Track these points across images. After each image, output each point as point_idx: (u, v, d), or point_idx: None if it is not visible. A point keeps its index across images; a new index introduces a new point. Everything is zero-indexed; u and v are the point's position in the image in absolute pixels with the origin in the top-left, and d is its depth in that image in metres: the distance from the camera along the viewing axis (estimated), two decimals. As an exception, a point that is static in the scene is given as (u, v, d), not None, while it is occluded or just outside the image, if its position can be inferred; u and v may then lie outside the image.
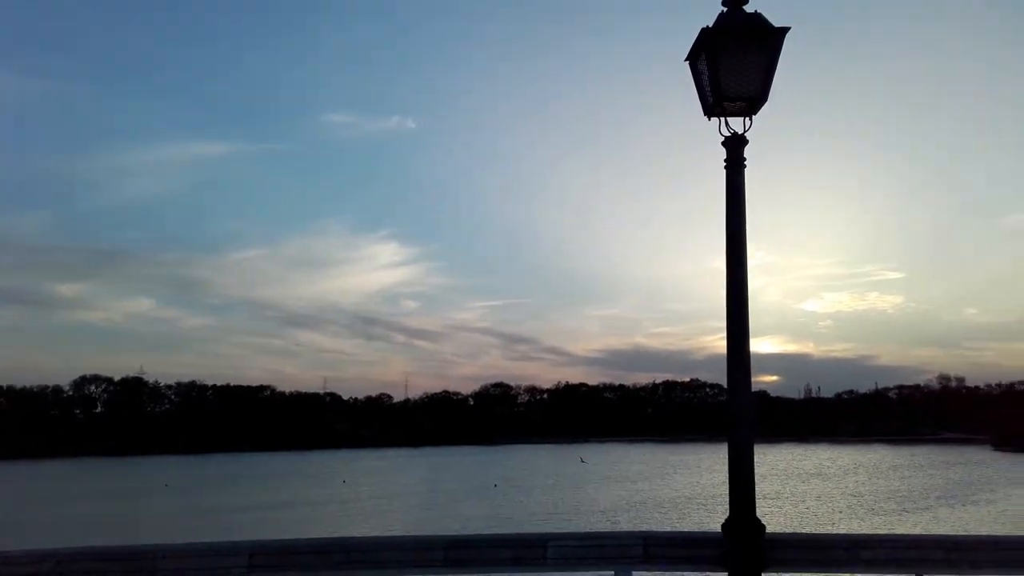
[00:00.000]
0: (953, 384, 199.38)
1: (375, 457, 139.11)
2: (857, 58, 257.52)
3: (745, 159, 5.09)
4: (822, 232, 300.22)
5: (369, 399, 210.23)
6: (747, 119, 5.18)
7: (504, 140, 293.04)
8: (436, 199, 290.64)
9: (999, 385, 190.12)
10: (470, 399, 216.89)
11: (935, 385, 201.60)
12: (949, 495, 71.61)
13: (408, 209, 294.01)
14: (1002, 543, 5.50)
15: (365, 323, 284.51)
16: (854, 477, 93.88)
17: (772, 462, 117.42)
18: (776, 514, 55.39)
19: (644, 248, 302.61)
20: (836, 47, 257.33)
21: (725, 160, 5.10)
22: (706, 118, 5.28)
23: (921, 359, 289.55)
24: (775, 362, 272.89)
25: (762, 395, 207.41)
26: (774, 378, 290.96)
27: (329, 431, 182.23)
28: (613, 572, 5.21)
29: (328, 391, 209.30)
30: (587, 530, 6.94)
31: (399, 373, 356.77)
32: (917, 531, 41.19)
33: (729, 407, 4.92)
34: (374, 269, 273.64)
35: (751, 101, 5.11)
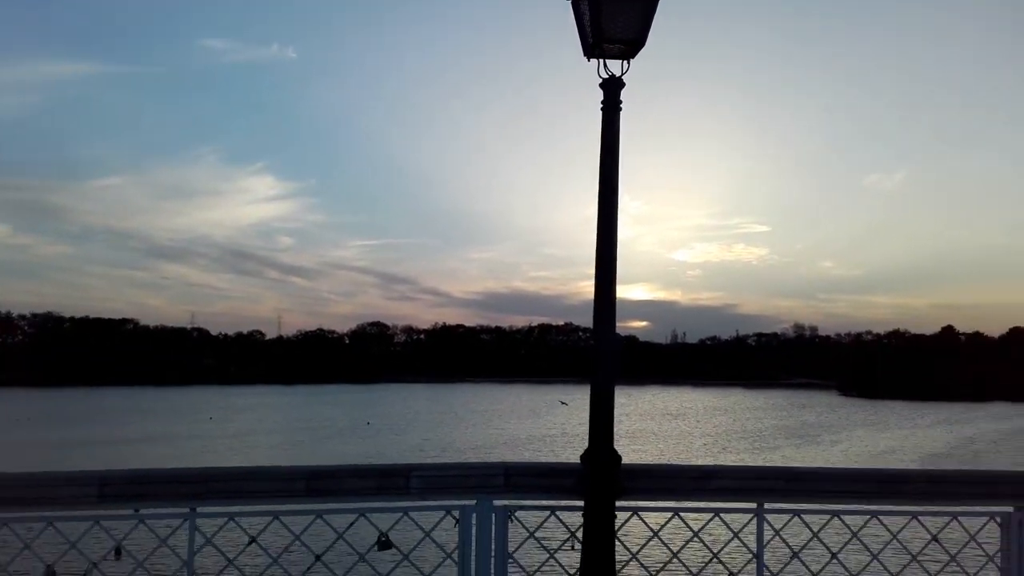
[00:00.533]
0: (807, 333, 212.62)
1: (245, 394, 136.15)
2: (735, 17, 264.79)
3: (621, 102, 5.15)
4: (694, 185, 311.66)
5: (240, 335, 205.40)
6: (625, 62, 5.24)
7: (388, 77, 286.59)
8: (316, 134, 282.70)
9: (848, 335, 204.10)
10: (346, 338, 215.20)
11: (791, 334, 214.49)
12: (797, 435, 76.72)
13: (286, 142, 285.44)
14: (838, 474, 5.96)
15: (237, 258, 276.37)
16: (713, 418, 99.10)
17: (638, 403, 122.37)
18: (638, 450, 57.95)
19: (526, 193, 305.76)
20: (715, 3, 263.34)
21: (602, 102, 5.14)
22: (586, 59, 5.31)
23: (780, 309, 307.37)
24: (645, 308, 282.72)
25: (631, 340, 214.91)
26: (644, 324, 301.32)
27: (196, 367, 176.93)
28: (475, 500, 5.31)
29: (196, 326, 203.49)
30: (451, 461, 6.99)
31: (272, 310, 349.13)
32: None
33: (594, 345, 5.04)
34: (248, 203, 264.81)
35: (630, 44, 5.16)
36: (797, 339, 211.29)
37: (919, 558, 5.73)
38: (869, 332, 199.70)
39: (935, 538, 5.75)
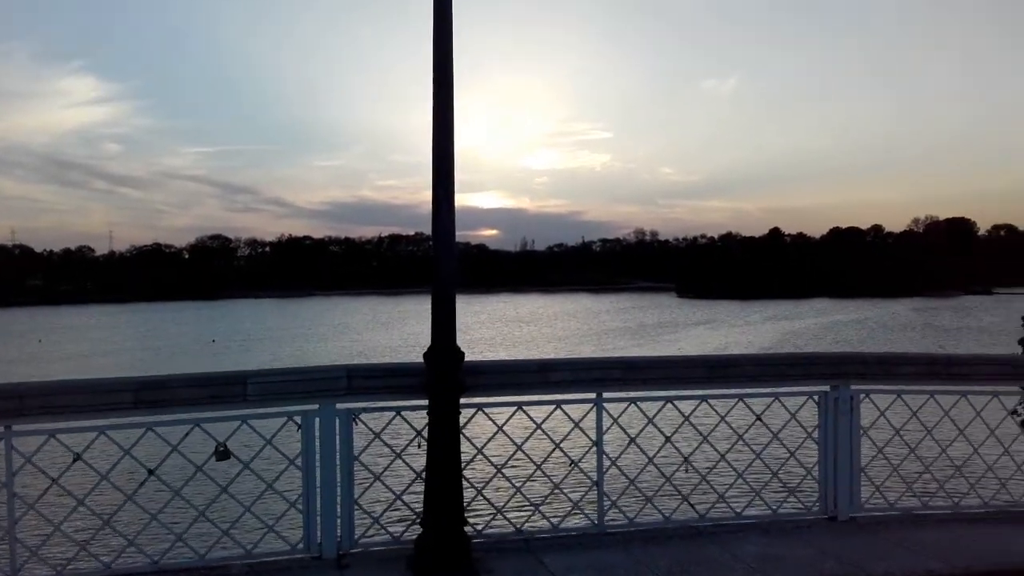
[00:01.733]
0: (648, 238, 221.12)
1: (76, 314, 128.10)
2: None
3: None
4: (540, 92, 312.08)
5: (67, 252, 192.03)
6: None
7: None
8: (140, 30, 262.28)
9: (686, 239, 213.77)
10: (185, 252, 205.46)
11: (633, 239, 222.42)
12: (638, 335, 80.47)
13: (106, 40, 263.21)
14: (670, 362, 6.24)
15: (59, 167, 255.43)
16: (560, 322, 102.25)
17: (488, 311, 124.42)
18: (488, 355, 59.16)
19: (370, 95, 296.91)
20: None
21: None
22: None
23: (623, 215, 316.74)
24: (494, 216, 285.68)
25: (481, 248, 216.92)
26: (493, 232, 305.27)
27: (19, 286, 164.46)
28: (317, 405, 5.20)
29: (17, 243, 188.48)
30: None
31: (102, 224, 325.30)
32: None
33: (433, 246, 4.94)
34: (67, 106, 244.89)
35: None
36: (639, 244, 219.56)
37: (745, 436, 6.14)
38: (704, 236, 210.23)
39: (759, 417, 6.16)
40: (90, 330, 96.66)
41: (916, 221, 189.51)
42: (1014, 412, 7.25)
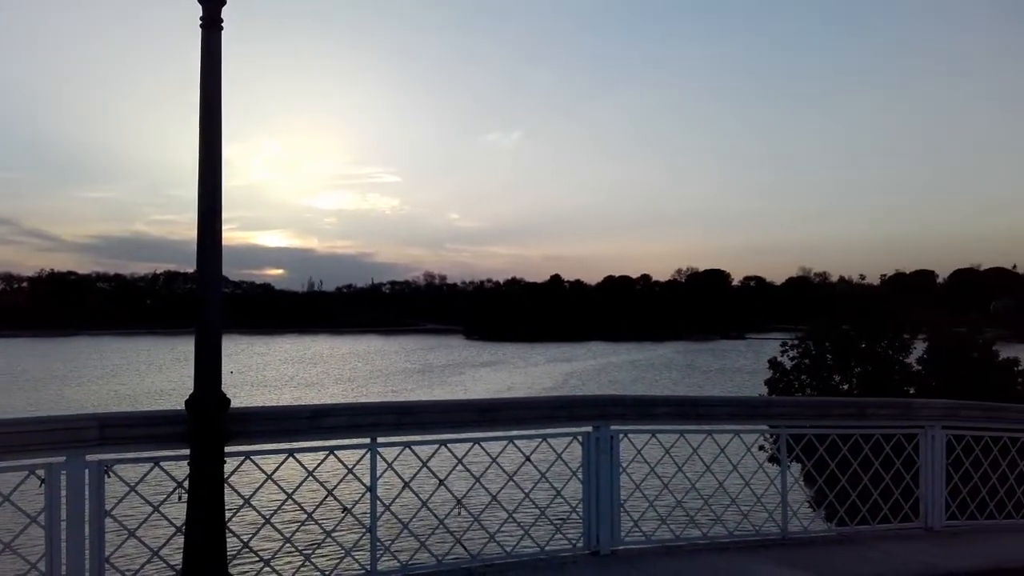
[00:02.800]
0: (436, 281, 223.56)
1: None
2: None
3: (223, 21, 4.82)
4: (330, 132, 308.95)
5: None
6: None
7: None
8: None
9: (473, 283, 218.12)
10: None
11: (422, 281, 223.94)
12: (425, 375, 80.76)
13: None
14: (443, 406, 6.37)
15: None
16: (348, 363, 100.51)
17: (274, 351, 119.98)
18: (272, 399, 56.99)
19: (145, 126, 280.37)
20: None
21: (200, 19, 4.79)
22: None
23: (412, 257, 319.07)
24: (281, 256, 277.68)
25: (267, 287, 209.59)
26: (280, 271, 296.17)
27: None
28: (64, 457, 4.81)
29: None
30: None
31: None
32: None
33: (198, 285, 4.78)
34: None
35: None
36: (428, 287, 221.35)
37: (516, 477, 6.36)
38: (490, 280, 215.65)
39: (528, 458, 6.40)
40: None
41: (679, 271, 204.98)
42: (760, 448, 8.04)
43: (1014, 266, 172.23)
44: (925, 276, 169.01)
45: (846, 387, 25.18)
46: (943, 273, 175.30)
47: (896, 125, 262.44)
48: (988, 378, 23.32)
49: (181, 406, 4.79)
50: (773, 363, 26.73)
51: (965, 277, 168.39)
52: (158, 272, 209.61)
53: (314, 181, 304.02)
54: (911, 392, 24.03)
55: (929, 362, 25.27)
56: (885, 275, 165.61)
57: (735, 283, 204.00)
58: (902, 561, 6.88)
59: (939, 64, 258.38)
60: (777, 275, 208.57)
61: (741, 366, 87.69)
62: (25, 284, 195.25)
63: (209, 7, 4.74)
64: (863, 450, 7.57)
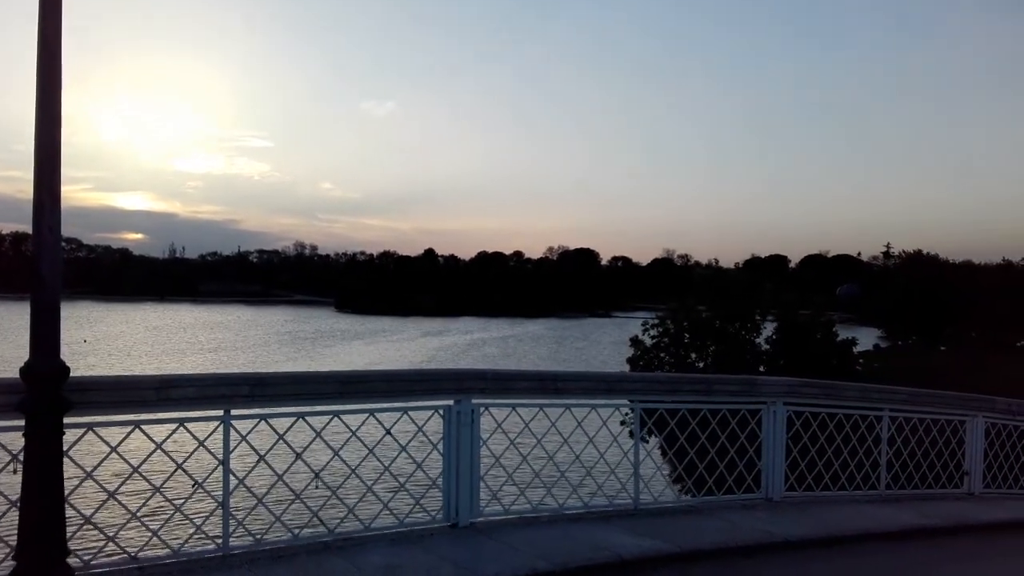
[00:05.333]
0: (308, 252, 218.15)
1: None
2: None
3: None
4: (196, 92, 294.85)
5: None
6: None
7: None
8: None
9: (345, 254, 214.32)
10: None
11: (292, 251, 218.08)
12: (292, 347, 79.05)
13: None
14: (302, 377, 6.25)
15: None
16: (211, 333, 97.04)
17: (130, 321, 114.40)
18: (127, 368, 54.33)
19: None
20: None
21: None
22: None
23: (282, 226, 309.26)
24: (141, 220, 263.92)
25: (124, 252, 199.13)
26: (139, 236, 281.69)
27: None
28: None
29: None
30: None
31: None
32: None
33: (33, 246, 4.50)
34: None
35: None
36: (298, 257, 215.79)
37: (376, 450, 6.35)
38: (363, 252, 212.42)
39: (389, 431, 6.41)
40: None
41: (551, 249, 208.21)
42: (622, 423, 8.32)
43: (859, 253, 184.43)
44: (778, 261, 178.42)
45: (701, 365, 26.42)
46: (795, 259, 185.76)
47: (761, 113, 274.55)
48: (829, 357, 24.97)
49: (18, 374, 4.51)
50: (635, 341, 27.70)
51: (815, 263, 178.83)
52: (3, 232, 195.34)
53: (179, 143, 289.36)
54: (761, 370, 25.45)
55: (777, 342, 26.82)
56: (741, 260, 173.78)
57: (604, 262, 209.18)
58: (743, 530, 7.32)
59: (797, 48, 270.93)
60: (643, 256, 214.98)
61: (607, 343, 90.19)
62: None
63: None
64: (711, 424, 7.98)
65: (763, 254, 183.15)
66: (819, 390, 8.92)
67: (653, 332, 27.26)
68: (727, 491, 8.23)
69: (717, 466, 8.06)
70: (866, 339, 48.35)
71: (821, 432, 8.70)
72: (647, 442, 7.91)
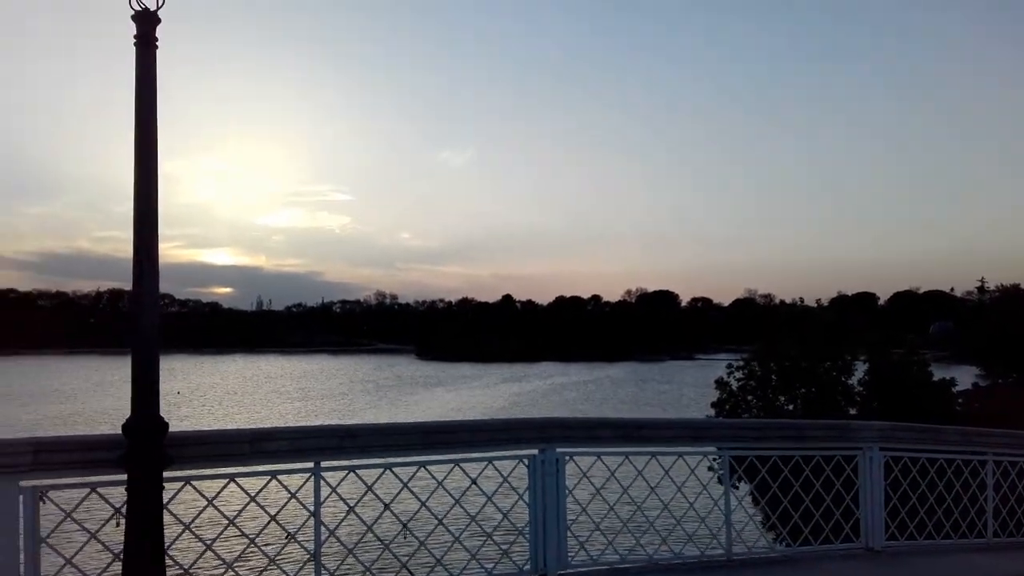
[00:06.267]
0: (388, 300, 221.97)
1: None
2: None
3: (157, 39, 4.79)
4: (279, 149, 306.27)
5: None
6: (160, -2, 4.89)
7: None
8: None
9: (424, 302, 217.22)
10: None
11: (373, 301, 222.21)
12: (377, 395, 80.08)
13: None
14: (388, 429, 6.33)
15: None
16: (299, 383, 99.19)
17: (223, 373, 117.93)
18: (218, 419, 55.96)
19: (89, 141, 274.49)
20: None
21: (135, 36, 4.75)
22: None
23: (363, 276, 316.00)
24: (229, 274, 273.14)
25: (214, 306, 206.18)
26: (228, 290, 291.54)
27: None
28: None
29: None
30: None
31: None
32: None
33: (133, 304, 4.69)
34: None
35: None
36: (379, 306, 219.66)
37: (461, 501, 6.35)
38: (442, 300, 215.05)
39: (475, 481, 6.40)
40: None
41: (629, 292, 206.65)
42: (709, 469, 8.13)
43: (951, 289, 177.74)
44: (867, 299, 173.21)
45: (791, 408, 25.64)
46: (884, 296, 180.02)
47: (843, 149, 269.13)
48: (925, 399, 23.95)
49: (120, 430, 4.69)
50: (720, 384, 27.09)
51: (905, 299, 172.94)
52: (102, 290, 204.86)
53: (263, 199, 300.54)
54: (853, 413, 24.55)
55: (870, 383, 25.86)
56: (826, 298, 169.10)
57: (683, 304, 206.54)
58: (843, 581, 7.02)
59: (887, 87, 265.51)
60: (724, 296, 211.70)
61: (689, 386, 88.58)
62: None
63: (143, 26, 4.71)
64: (804, 471, 7.71)
65: (850, 291, 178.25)
66: (917, 434, 8.55)
67: (738, 374, 26.63)
68: (824, 540, 7.91)
69: (812, 514, 7.76)
70: (964, 378, 46.27)
71: (921, 478, 8.31)
72: (737, 489, 7.70)
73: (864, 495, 7.92)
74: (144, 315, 4.60)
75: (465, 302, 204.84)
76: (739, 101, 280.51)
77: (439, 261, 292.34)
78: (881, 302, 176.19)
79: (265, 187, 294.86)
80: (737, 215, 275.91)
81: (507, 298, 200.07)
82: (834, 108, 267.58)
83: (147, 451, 4.55)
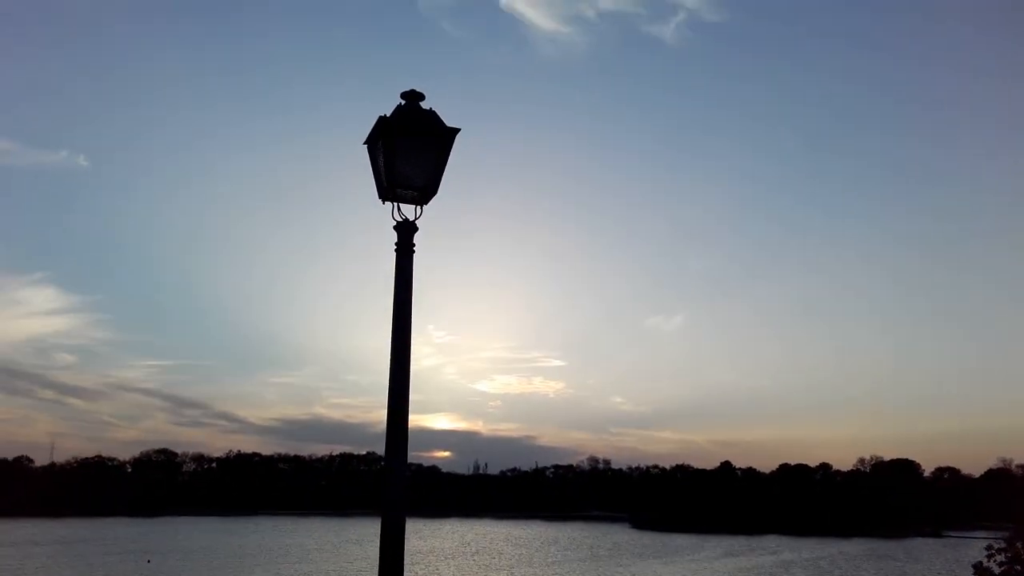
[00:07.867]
0: (601, 466, 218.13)
1: (8, 529, 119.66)
2: (533, 163, 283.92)
3: (415, 245, 5.36)
4: (495, 319, 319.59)
5: (4, 462, 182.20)
6: (418, 207, 5.51)
7: (185, 191, 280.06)
8: (105, 245, 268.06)
9: (638, 468, 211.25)
10: (128, 465, 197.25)
11: (586, 466, 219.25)
12: (592, 566, 77.54)
13: (71, 253, 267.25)
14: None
15: (8, 375, 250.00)
16: (514, 549, 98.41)
17: (440, 538, 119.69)
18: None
19: (327, 318, 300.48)
20: (513, 149, 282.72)
21: (395, 244, 5.34)
22: (380, 201, 5.55)
23: (575, 441, 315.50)
24: (448, 438, 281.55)
25: (433, 470, 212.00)
26: (446, 454, 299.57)
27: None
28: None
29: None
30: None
31: (44, 434, 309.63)
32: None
33: (385, 481, 5.04)
34: (23, 316, 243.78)
35: (422, 191, 5.47)
36: (592, 471, 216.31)
37: None
38: (656, 466, 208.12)
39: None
40: (17, 546, 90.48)
41: (862, 460, 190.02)
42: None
43: None
44: None
45: (1067, 599, 22.09)
46: None
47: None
48: None
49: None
50: (978, 569, 23.97)
51: None
52: (334, 454, 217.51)
53: (479, 366, 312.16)
54: None
55: None
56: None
57: (926, 474, 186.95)
58: None
59: None
60: (974, 467, 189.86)
61: (939, 568, 78.79)
62: (214, 464, 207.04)
63: (404, 236, 5.32)
64: None
65: None
66: None
67: (1000, 557, 23.45)
68: None
69: None
70: None
71: None
72: None
73: None
74: (393, 495, 4.91)
75: (680, 468, 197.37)
76: (973, 252, 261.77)
77: (652, 426, 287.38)
78: None
79: (483, 354, 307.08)
80: (981, 370, 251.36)
81: (726, 464, 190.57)
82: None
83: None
